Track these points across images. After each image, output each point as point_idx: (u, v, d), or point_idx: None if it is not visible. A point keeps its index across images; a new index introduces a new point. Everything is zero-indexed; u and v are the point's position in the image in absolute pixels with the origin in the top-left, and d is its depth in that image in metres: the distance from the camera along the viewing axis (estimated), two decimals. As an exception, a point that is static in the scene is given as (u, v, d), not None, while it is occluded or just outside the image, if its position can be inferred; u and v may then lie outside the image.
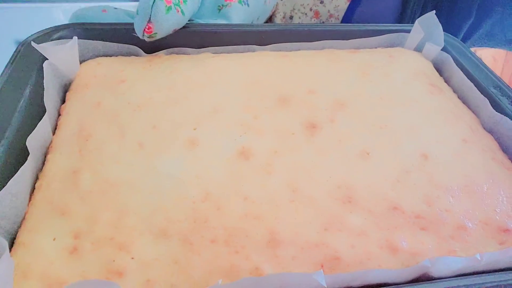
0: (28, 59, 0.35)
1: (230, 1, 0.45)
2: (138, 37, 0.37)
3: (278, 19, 0.60)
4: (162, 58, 0.39)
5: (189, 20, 0.42)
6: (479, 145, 0.33)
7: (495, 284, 0.24)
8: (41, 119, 0.31)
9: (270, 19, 0.59)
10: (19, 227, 0.26)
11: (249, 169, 0.29)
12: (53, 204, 0.27)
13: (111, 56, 0.40)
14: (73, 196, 0.27)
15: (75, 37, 0.37)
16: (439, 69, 0.43)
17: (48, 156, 0.30)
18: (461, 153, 0.32)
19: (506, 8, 0.50)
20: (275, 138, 0.32)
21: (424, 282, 0.24)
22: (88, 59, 0.39)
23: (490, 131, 0.36)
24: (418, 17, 0.44)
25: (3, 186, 0.25)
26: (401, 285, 0.23)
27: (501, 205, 0.29)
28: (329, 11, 0.57)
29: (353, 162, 0.30)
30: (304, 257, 0.25)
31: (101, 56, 0.40)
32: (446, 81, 0.41)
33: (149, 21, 0.36)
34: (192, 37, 0.42)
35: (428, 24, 0.43)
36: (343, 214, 0.27)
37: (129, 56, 0.40)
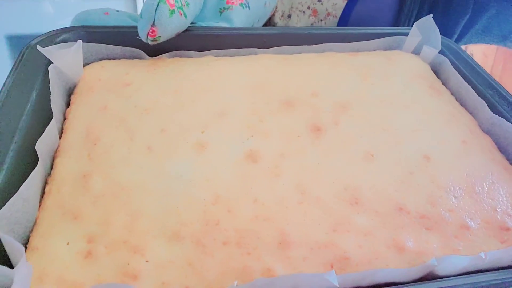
0: (32, 62, 0.35)
1: (231, 4, 0.46)
2: (141, 40, 0.38)
3: (276, 18, 0.60)
4: (166, 61, 0.40)
5: (191, 23, 0.42)
6: (478, 146, 0.34)
7: (499, 281, 0.25)
8: (47, 122, 0.31)
9: (269, 18, 0.59)
10: (31, 232, 0.26)
11: (257, 172, 0.30)
12: (65, 208, 0.27)
13: (114, 59, 0.40)
14: (85, 200, 0.27)
15: (80, 41, 0.37)
16: (436, 72, 0.44)
17: (57, 160, 0.30)
18: (462, 154, 0.33)
19: (502, 2, 0.51)
20: (282, 140, 0.32)
21: (431, 280, 0.25)
22: (91, 62, 0.40)
23: (487, 133, 0.37)
24: (415, 15, 0.44)
25: (14, 190, 0.25)
26: (409, 285, 0.24)
27: (501, 204, 0.30)
28: (327, 9, 0.58)
29: (358, 163, 0.31)
30: (314, 257, 0.25)
31: (104, 59, 0.40)
32: (443, 84, 0.42)
33: (153, 24, 0.36)
34: (194, 40, 0.42)
35: (425, 27, 0.44)
36: (351, 215, 0.28)
37: (132, 59, 0.41)
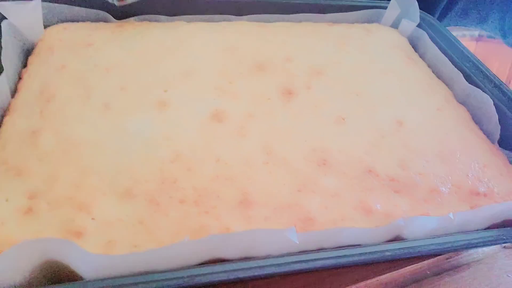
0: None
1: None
2: (108, 2, 0.35)
3: None
4: (133, 24, 0.38)
5: (162, -14, 0.40)
6: (453, 115, 0.33)
7: (466, 242, 0.24)
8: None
9: None
10: (-30, 188, 0.24)
11: (222, 132, 0.28)
12: (8, 165, 0.25)
13: (78, 22, 0.38)
14: (32, 156, 0.25)
15: (39, -3, 0.35)
16: (414, 46, 0.43)
17: (6, 118, 0.28)
18: (436, 121, 0.32)
19: None
20: (251, 102, 0.31)
21: (397, 241, 0.24)
22: (53, 24, 0.37)
23: (462, 103, 0.36)
24: None
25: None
26: (375, 246, 0.23)
27: (473, 170, 0.29)
28: None
29: (329, 127, 0.30)
30: (276, 217, 0.24)
31: (67, 22, 0.38)
32: (421, 57, 0.41)
33: (120, -17, 0.34)
34: (165, 4, 0.40)
35: (404, 1, 0.43)
36: (317, 176, 0.26)
37: (98, 22, 0.38)
